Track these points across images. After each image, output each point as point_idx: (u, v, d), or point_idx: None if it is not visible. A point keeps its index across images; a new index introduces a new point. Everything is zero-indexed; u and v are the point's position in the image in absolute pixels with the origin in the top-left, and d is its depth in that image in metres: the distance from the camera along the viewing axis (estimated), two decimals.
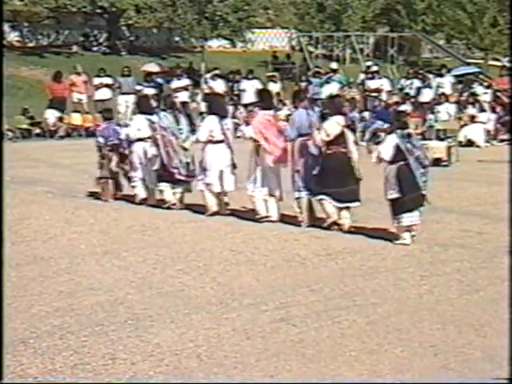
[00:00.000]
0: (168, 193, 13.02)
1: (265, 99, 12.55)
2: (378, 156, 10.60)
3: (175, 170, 12.80)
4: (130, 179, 13.81)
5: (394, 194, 10.46)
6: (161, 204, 13.17)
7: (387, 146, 10.56)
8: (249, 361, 6.60)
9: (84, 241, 10.82)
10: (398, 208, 10.47)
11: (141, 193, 13.50)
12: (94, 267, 9.51)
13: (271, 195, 11.91)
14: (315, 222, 11.58)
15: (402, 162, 10.41)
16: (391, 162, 10.48)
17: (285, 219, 11.88)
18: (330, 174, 11.15)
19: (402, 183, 10.39)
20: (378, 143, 22.28)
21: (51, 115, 25.31)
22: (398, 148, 10.42)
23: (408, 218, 10.46)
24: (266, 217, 11.84)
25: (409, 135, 10.61)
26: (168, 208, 12.96)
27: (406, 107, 23.06)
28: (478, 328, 7.35)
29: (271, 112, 12.09)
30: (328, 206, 11.25)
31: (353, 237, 11.00)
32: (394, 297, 8.32)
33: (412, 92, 25.96)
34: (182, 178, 12.87)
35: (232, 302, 8.14)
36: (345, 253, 10.14)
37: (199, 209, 12.66)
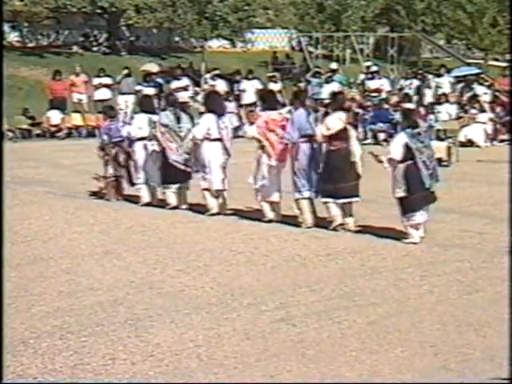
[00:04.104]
0: (172, 196, 13.02)
1: (268, 99, 12.54)
2: (388, 158, 10.56)
3: (178, 159, 12.79)
4: (131, 181, 13.83)
5: (401, 193, 10.45)
6: (162, 204, 13.19)
7: (397, 145, 10.54)
8: (249, 361, 6.60)
9: (84, 241, 10.83)
10: (407, 206, 10.46)
11: (145, 196, 13.49)
12: (94, 267, 9.51)
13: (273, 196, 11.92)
14: (317, 222, 11.57)
15: (410, 161, 10.41)
16: (400, 161, 10.48)
17: (285, 219, 11.87)
18: (334, 171, 11.16)
19: (409, 182, 10.39)
20: (377, 143, 22.43)
21: (54, 115, 25.34)
22: (407, 147, 10.41)
23: (419, 216, 10.47)
24: (272, 220, 11.84)
25: (418, 134, 10.61)
26: (170, 208, 12.98)
27: (410, 106, 23.04)
28: (477, 328, 7.35)
29: (275, 112, 12.07)
30: (333, 209, 11.25)
31: (353, 237, 11.00)
32: (393, 297, 8.31)
33: (411, 92, 25.98)
34: (182, 167, 12.82)
35: (232, 302, 8.14)
36: (345, 253, 10.13)
37: (199, 209, 12.67)
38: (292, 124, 11.57)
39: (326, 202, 11.31)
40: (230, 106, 24.86)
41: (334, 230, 11.25)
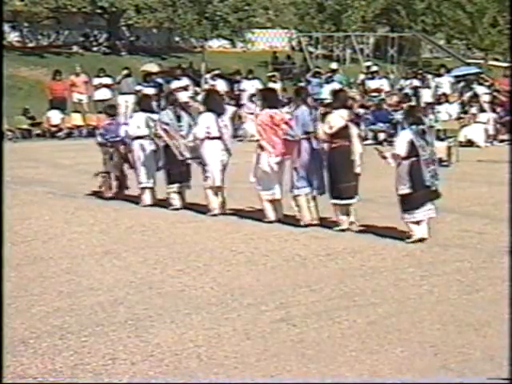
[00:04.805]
0: (175, 198, 13.00)
1: (268, 98, 12.53)
2: (393, 154, 10.57)
3: (186, 154, 12.80)
4: (126, 185, 13.85)
5: (405, 190, 10.44)
6: (162, 204, 13.18)
7: (402, 142, 10.54)
8: (249, 361, 6.59)
9: (84, 241, 10.83)
10: (409, 203, 10.45)
11: (147, 199, 13.45)
12: (94, 267, 9.51)
13: (275, 195, 11.92)
14: (319, 222, 11.57)
15: (414, 158, 10.41)
16: (404, 158, 10.48)
17: (285, 219, 11.87)
18: (337, 169, 11.16)
19: (413, 179, 10.38)
20: (378, 143, 22.42)
21: (55, 115, 25.34)
22: (411, 144, 10.42)
23: (421, 213, 10.46)
24: (273, 221, 11.84)
25: (423, 131, 10.59)
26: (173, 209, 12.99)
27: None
28: (478, 328, 7.34)
29: (276, 110, 12.07)
30: (341, 212, 11.24)
31: (353, 237, 11.00)
32: (393, 297, 8.31)
33: (411, 92, 25.98)
34: (188, 160, 12.81)
35: (232, 302, 8.14)
36: (345, 253, 10.13)
37: (199, 209, 12.66)
38: (296, 121, 11.57)
39: (335, 204, 11.30)
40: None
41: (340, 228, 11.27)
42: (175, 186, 13.03)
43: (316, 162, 11.43)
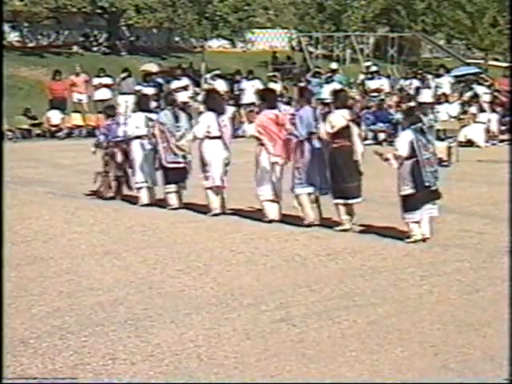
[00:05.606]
0: (173, 197, 13.01)
1: (268, 98, 12.53)
2: (395, 155, 10.55)
3: (171, 160, 12.82)
4: (129, 184, 13.85)
5: (408, 190, 10.42)
6: (161, 204, 13.18)
7: (403, 142, 10.53)
8: (249, 361, 6.59)
9: (84, 241, 10.82)
10: (411, 204, 10.43)
11: (144, 197, 13.47)
12: (94, 267, 9.51)
13: (274, 195, 11.92)
14: (321, 222, 11.57)
15: (416, 158, 10.39)
16: (406, 158, 10.47)
17: (285, 219, 11.87)
18: (339, 169, 11.16)
19: (416, 179, 10.37)
20: (378, 143, 22.44)
21: (55, 115, 25.35)
22: (413, 144, 10.41)
23: (420, 213, 10.44)
24: (273, 220, 11.83)
25: (421, 130, 10.58)
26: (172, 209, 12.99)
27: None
28: (478, 328, 7.34)
29: (275, 111, 12.08)
30: (343, 213, 11.23)
31: (353, 237, 11.00)
32: (393, 297, 8.31)
33: (411, 92, 25.99)
34: (181, 165, 12.84)
35: (232, 301, 8.14)
36: (345, 253, 10.13)
37: (199, 209, 12.67)
38: (301, 121, 11.58)
39: (337, 204, 11.30)
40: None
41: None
42: (173, 186, 13.05)
43: (319, 162, 11.43)
